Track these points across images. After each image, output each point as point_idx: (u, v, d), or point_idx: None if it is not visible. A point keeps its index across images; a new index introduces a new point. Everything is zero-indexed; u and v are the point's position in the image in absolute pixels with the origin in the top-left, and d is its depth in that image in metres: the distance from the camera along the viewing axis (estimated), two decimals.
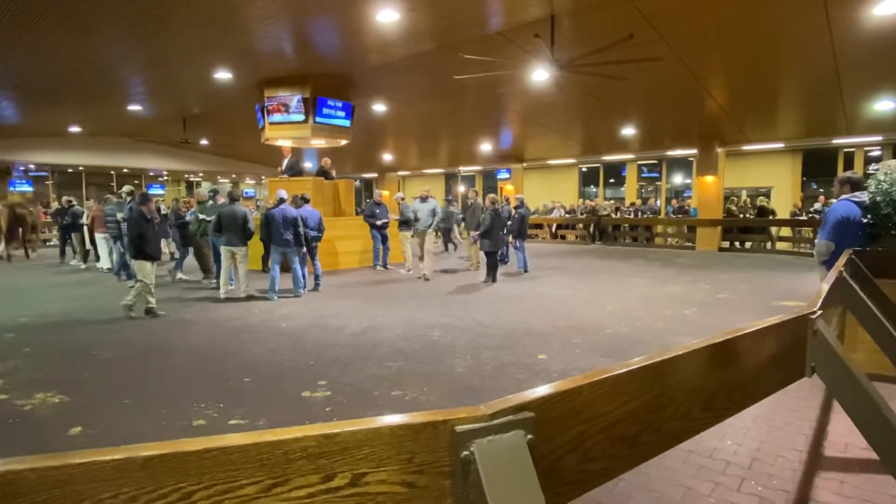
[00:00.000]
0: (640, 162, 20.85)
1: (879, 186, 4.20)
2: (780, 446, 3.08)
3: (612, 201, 20.00)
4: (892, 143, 15.13)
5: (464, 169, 25.20)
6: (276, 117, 11.77)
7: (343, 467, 0.69)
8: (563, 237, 19.76)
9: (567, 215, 19.76)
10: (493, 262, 9.46)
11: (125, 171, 24.13)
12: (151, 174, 25.78)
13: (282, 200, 8.21)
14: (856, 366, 1.48)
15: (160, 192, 24.67)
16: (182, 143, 18.31)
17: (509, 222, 11.20)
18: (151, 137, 20.62)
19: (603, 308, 7.14)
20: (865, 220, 4.24)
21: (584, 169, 22.51)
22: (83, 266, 11.81)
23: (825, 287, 1.99)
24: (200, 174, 27.31)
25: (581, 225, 19.06)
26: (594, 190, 22.48)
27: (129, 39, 9.04)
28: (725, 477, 2.73)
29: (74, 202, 12.49)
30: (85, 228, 11.94)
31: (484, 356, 4.96)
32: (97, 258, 11.71)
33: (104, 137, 20.46)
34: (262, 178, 25.34)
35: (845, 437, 3.14)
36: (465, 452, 0.73)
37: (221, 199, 9.56)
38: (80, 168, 23.01)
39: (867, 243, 4.20)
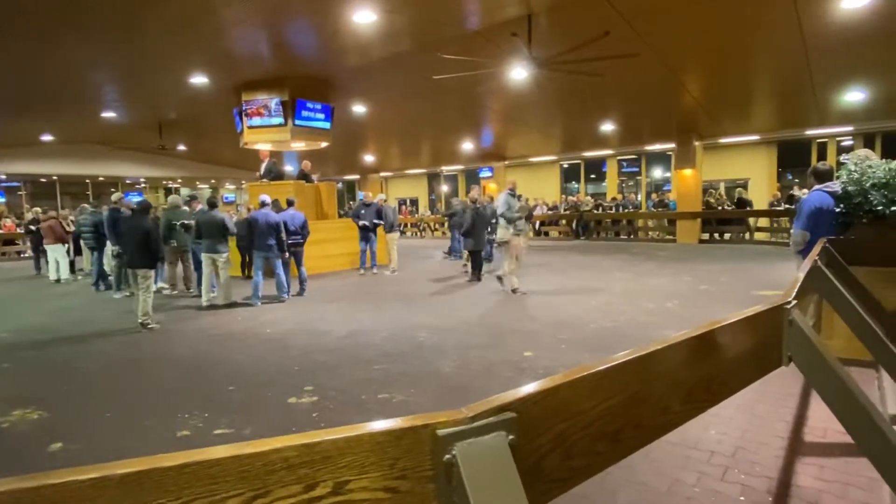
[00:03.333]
0: (619, 157, 21.07)
1: (851, 176, 4.29)
2: (763, 434, 3.15)
3: (589, 197, 20.19)
4: (863, 132, 15.51)
5: (446, 169, 25.22)
6: (255, 121, 11.64)
7: (325, 476, 0.69)
8: (546, 234, 19.90)
9: (549, 212, 19.90)
10: (478, 260, 9.48)
11: (101, 179, 23.70)
12: (128, 182, 25.36)
13: (264, 204, 8.15)
14: (830, 353, 1.52)
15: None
16: (159, 150, 18.03)
17: (493, 221, 11.21)
18: (127, 144, 20.23)
19: (587, 303, 7.20)
20: (838, 210, 4.33)
21: (565, 165, 22.68)
22: (65, 278, 11.57)
23: (800, 276, 2.03)
24: (179, 180, 26.92)
25: (564, 221, 19.22)
26: (576, 186, 22.66)
27: (102, 45, 8.87)
28: (710, 466, 2.78)
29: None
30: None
31: (471, 355, 4.97)
32: (37, 268, 12.75)
33: (78, 145, 20.05)
34: (242, 182, 25.08)
35: (824, 422, 3.21)
36: (447, 456, 0.73)
37: (199, 206, 9.39)
38: (54, 177, 22.53)
39: (840, 232, 4.29)
